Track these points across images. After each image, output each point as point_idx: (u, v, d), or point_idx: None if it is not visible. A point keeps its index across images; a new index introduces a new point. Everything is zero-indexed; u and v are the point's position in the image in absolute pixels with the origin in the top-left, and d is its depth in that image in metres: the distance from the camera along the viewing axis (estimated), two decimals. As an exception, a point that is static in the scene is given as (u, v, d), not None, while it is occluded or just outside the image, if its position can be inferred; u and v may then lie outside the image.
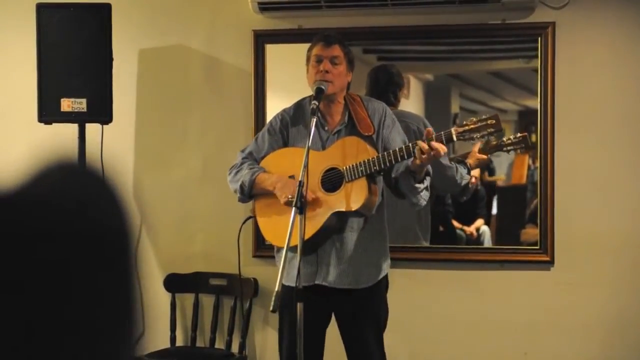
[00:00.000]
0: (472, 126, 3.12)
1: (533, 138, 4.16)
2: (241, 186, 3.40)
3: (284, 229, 3.18)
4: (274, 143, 3.46)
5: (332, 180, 3.29)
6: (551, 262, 4.17)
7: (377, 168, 3.20)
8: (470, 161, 3.91)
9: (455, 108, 4.34)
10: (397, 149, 3.18)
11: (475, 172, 4.05)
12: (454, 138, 3.12)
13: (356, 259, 3.34)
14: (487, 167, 4.27)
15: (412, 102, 4.29)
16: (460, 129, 3.12)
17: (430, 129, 3.17)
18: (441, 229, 4.36)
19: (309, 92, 3.39)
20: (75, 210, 0.76)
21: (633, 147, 4.13)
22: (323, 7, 4.22)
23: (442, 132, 3.12)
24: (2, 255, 0.70)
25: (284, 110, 3.52)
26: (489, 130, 3.12)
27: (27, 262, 0.71)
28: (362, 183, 3.23)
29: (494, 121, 3.11)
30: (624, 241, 4.12)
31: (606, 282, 4.13)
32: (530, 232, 4.22)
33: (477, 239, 4.30)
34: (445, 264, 4.26)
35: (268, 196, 3.37)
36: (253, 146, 3.51)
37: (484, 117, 3.13)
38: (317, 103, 3.22)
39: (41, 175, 0.76)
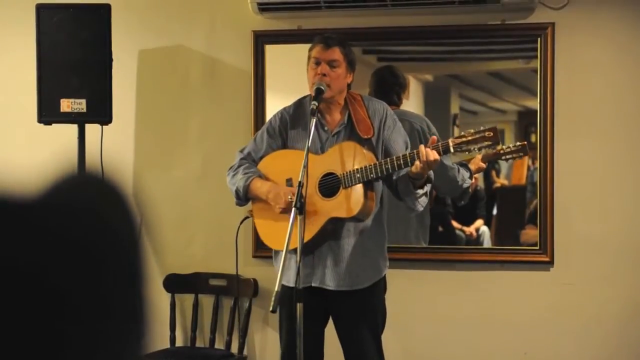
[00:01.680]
0: (469, 138, 3.12)
1: (533, 138, 4.16)
2: (236, 191, 3.42)
3: (280, 231, 3.18)
4: (273, 143, 3.46)
5: (329, 186, 3.29)
6: (551, 263, 4.17)
7: (374, 176, 3.20)
8: (472, 166, 3.92)
9: (454, 108, 4.34)
10: (394, 158, 3.19)
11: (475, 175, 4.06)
12: (451, 149, 3.13)
13: (353, 262, 3.33)
14: (493, 168, 4.28)
15: (411, 103, 4.29)
16: (458, 141, 3.13)
17: (435, 137, 3.18)
18: (440, 229, 4.36)
19: (308, 92, 3.39)
20: (89, 219, 0.77)
21: (632, 147, 4.13)
22: (322, 8, 4.22)
23: (440, 143, 3.13)
24: (16, 262, 0.71)
25: (284, 109, 3.51)
26: (486, 142, 3.12)
27: (40, 269, 0.72)
28: (358, 190, 3.23)
29: (491, 134, 3.11)
30: (623, 241, 4.12)
31: (605, 282, 4.13)
32: (530, 233, 4.22)
33: (477, 240, 4.30)
34: (445, 264, 4.26)
35: (264, 200, 3.38)
36: (252, 146, 3.51)
37: (481, 129, 3.14)
38: (316, 103, 3.22)
39: (57, 185, 0.78)
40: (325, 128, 3.40)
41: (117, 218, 0.80)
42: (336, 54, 3.33)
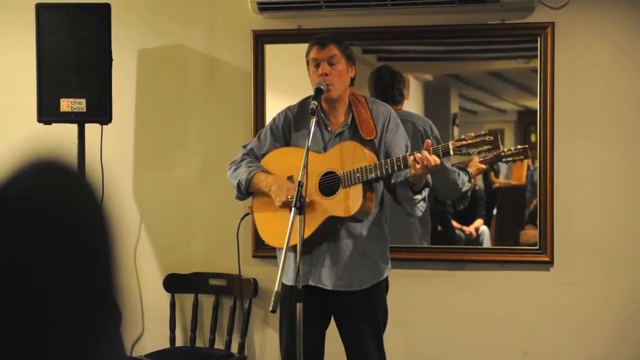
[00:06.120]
0: (469, 141, 3.12)
1: (532, 138, 4.16)
2: (238, 184, 3.41)
3: (279, 228, 3.18)
4: (276, 141, 3.46)
5: (329, 185, 3.29)
6: (550, 263, 4.17)
7: (374, 176, 3.20)
8: (471, 169, 3.92)
9: (454, 108, 4.34)
10: (394, 159, 3.18)
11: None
12: (451, 152, 3.13)
13: (352, 262, 3.33)
14: (492, 169, 4.28)
15: (411, 103, 4.29)
16: (458, 144, 3.13)
17: (430, 140, 3.18)
18: (440, 229, 4.36)
19: (308, 92, 3.39)
20: (50, 207, 0.75)
21: (632, 147, 4.13)
22: (323, 7, 4.22)
23: (440, 146, 3.13)
24: None
25: (288, 109, 3.51)
26: (486, 146, 3.13)
27: (7, 263, 0.70)
28: (358, 189, 3.23)
29: (491, 138, 3.11)
30: (623, 241, 4.12)
31: (605, 282, 4.13)
32: (530, 233, 4.22)
33: (477, 239, 4.30)
34: (444, 264, 4.26)
35: (266, 194, 3.38)
36: (255, 143, 3.51)
37: (482, 132, 3.14)
38: (316, 103, 3.22)
39: (18, 173, 0.76)
40: (329, 128, 3.40)
41: (84, 208, 0.78)
42: (333, 50, 3.34)
